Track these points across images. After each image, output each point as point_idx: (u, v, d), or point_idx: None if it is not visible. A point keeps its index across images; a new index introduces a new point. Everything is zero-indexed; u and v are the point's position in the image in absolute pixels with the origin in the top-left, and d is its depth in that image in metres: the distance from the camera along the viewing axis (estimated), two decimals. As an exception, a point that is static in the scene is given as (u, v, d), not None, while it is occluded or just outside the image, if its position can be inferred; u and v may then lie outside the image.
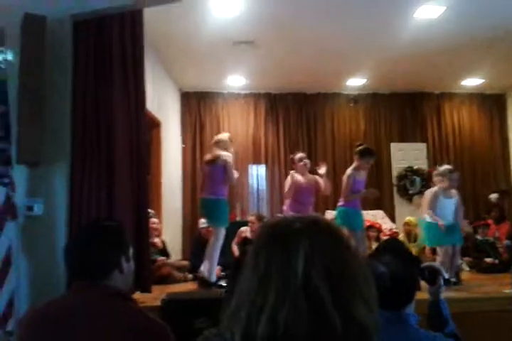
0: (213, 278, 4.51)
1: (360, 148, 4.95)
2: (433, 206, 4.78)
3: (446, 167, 4.94)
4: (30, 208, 3.24)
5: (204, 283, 4.47)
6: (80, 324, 1.45)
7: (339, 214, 4.84)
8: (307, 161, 4.99)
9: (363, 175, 4.91)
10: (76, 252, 1.61)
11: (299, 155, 5.07)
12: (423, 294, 2.24)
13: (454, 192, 4.90)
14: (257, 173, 8.13)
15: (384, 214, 7.47)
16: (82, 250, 1.60)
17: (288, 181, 5.04)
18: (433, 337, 1.63)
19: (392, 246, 1.79)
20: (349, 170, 4.86)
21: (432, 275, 1.96)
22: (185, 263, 5.56)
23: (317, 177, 5.07)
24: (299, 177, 4.98)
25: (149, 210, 5.70)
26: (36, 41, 3.21)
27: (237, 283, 0.77)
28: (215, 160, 4.52)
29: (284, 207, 5.22)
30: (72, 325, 1.46)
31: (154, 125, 6.35)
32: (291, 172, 5.21)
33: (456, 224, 4.82)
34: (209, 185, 4.54)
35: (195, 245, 4.79)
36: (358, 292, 0.72)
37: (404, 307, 1.64)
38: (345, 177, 4.84)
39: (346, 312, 0.69)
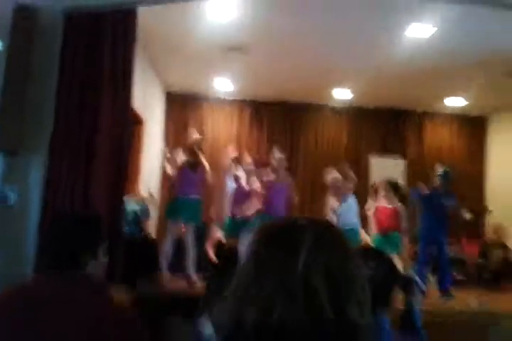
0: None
1: None
2: None
3: None
4: (3, 197, 3.17)
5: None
6: (53, 312, 1.42)
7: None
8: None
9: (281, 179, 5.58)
10: (56, 240, 1.60)
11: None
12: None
13: None
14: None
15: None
16: (62, 238, 1.58)
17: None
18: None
19: (374, 252, 1.79)
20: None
21: (409, 285, 1.96)
22: None
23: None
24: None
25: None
26: (25, 32, 3.20)
27: (233, 278, 0.77)
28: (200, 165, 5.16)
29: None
30: (45, 313, 1.42)
31: (137, 122, 6.29)
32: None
33: None
34: (196, 186, 5.14)
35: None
36: (353, 294, 0.73)
37: (379, 313, 1.65)
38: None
39: (340, 310, 0.70)
